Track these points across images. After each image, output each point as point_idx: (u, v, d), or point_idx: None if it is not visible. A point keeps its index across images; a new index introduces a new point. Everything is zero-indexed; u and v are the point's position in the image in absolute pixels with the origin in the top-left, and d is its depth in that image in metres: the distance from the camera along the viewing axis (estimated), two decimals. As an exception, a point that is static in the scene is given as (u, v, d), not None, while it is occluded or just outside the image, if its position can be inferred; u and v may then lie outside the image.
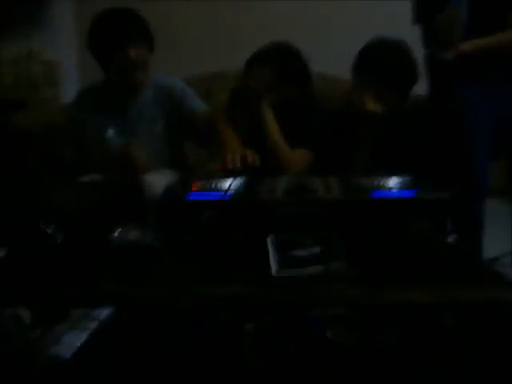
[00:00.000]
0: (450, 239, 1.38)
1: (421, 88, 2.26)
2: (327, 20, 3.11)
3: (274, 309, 1.18)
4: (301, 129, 2.06)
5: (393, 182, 1.51)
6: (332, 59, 2.60)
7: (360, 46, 2.08)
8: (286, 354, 1.16)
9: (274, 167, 1.93)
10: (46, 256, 1.32)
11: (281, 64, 2.03)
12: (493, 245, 1.98)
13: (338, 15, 3.10)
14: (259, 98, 2.00)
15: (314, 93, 2.14)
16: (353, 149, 2.07)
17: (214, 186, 1.46)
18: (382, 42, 2.05)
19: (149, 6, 2.25)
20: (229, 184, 1.45)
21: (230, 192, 1.43)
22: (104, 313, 1.43)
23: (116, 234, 1.40)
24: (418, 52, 2.16)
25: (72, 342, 1.36)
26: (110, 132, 2.09)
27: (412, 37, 2.12)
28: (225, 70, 2.93)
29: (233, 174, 1.58)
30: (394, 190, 1.47)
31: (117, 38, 1.97)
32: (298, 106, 2.09)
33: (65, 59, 3.33)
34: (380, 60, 2.01)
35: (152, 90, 2.14)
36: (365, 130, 2.09)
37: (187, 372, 1.17)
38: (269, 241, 1.32)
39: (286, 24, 3.10)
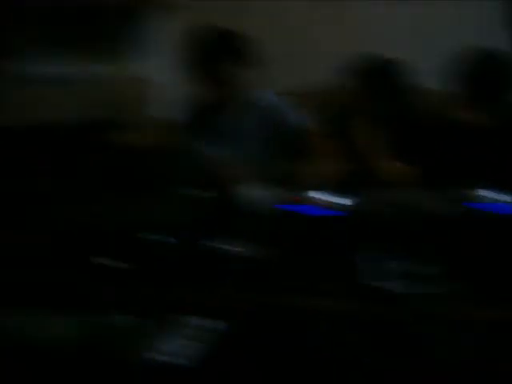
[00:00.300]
0: None
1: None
2: (418, 33, 3.06)
3: (378, 322, 1.17)
4: (400, 142, 2.03)
5: (501, 196, 1.46)
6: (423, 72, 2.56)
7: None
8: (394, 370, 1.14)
9: (374, 180, 1.91)
10: (162, 267, 1.36)
11: (376, 79, 2.02)
12: None
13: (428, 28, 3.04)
14: (356, 112, 2.00)
15: (411, 105, 2.12)
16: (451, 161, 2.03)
17: (311, 199, 1.46)
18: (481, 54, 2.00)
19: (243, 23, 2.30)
20: (331, 197, 1.45)
21: (328, 205, 1.43)
22: (217, 323, 1.46)
23: (220, 246, 1.43)
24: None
25: (188, 351, 1.40)
26: (210, 148, 2.15)
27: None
28: (316, 85, 2.95)
29: (333, 187, 1.58)
30: (502, 205, 1.42)
31: (205, 55, 2.04)
32: (396, 120, 2.07)
33: (161, 77, 3.45)
34: (480, 71, 1.97)
35: (249, 106, 2.18)
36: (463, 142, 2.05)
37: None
38: (366, 256, 1.30)
39: (375, 38, 3.08)
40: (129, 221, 1.50)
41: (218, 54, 2.07)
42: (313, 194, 1.52)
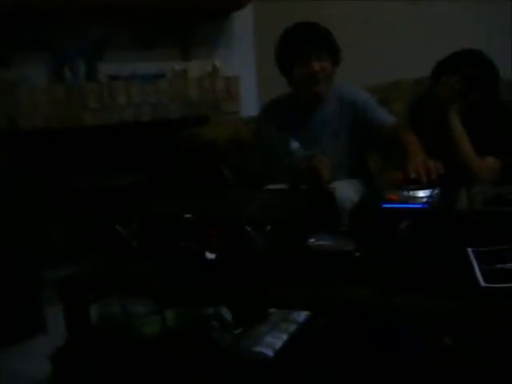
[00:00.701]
0: None
1: None
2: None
3: (479, 322, 1.15)
4: (490, 136, 1.98)
5: None
6: None
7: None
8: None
9: (465, 176, 1.87)
10: (249, 259, 1.39)
11: (469, 70, 1.97)
12: None
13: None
14: (448, 105, 1.96)
15: (500, 99, 2.06)
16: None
17: (409, 195, 1.45)
18: None
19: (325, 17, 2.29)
20: (425, 194, 1.44)
21: (426, 201, 1.41)
22: (302, 316, 1.50)
23: (312, 240, 1.45)
24: None
25: (273, 342, 1.44)
26: (295, 144, 2.15)
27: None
28: (400, 78, 2.91)
29: (422, 184, 1.56)
30: None
31: (302, 51, 2.05)
32: (485, 113, 2.01)
33: (244, 74, 3.51)
34: None
35: (335, 102, 2.17)
36: None
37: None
38: (470, 252, 1.28)
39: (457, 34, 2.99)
40: (223, 215, 1.54)
41: (319, 50, 2.07)
42: (409, 191, 1.51)
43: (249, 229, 1.35)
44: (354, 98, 2.15)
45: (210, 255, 1.38)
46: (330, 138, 2.15)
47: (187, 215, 1.45)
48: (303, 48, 2.06)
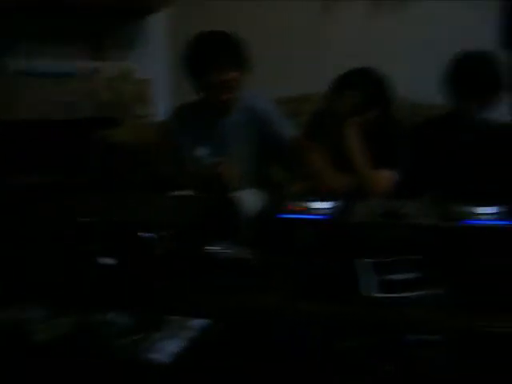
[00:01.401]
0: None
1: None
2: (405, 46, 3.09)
3: (371, 329, 1.20)
4: (384, 150, 2.07)
5: (487, 208, 1.49)
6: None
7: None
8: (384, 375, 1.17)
9: (360, 189, 1.95)
10: (147, 266, 1.38)
11: (366, 87, 2.07)
12: None
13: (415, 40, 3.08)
14: (344, 120, 2.04)
15: (394, 115, 2.17)
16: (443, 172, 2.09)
17: (308, 206, 1.49)
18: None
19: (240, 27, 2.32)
20: (323, 205, 1.49)
21: (323, 213, 1.46)
22: (201, 322, 1.49)
23: (212, 248, 1.46)
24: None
25: (170, 348, 1.42)
26: (203, 150, 2.17)
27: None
28: (311, 91, 2.99)
29: (323, 195, 1.61)
30: (490, 217, 1.46)
31: (216, 60, 2.06)
32: (380, 128, 2.11)
33: (156, 77, 3.48)
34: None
35: (242, 110, 2.21)
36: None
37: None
38: (364, 263, 1.34)
39: (366, 49, 3.12)
40: (123, 219, 1.52)
41: (232, 59, 2.09)
42: (303, 201, 1.55)
43: (146, 234, 1.34)
44: (260, 108, 2.20)
45: (107, 260, 1.36)
46: (236, 145, 2.19)
47: (84, 218, 1.42)
48: (217, 56, 2.08)
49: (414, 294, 1.21)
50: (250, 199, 1.90)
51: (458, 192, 1.70)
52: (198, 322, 1.51)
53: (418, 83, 2.32)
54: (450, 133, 2.20)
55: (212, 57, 2.08)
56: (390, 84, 2.14)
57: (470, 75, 2.07)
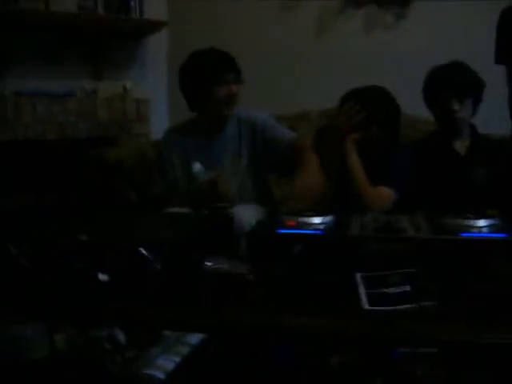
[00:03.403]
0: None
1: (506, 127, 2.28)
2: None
3: (363, 342, 1.20)
4: (385, 167, 2.08)
5: (481, 221, 1.50)
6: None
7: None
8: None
9: (359, 204, 1.96)
10: (142, 282, 1.38)
11: (373, 105, 2.08)
12: None
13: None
14: (345, 135, 2.05)
15: (398, 133, 2.18)
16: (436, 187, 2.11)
17: (304, 221, 1.50)
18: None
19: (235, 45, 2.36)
20: (317, 220, 1.49)
21: (320, 227, 1.46)
22: (196, 338, 1.49)
23: (208, 264, 1.46)
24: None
25: (165, 364, 1.42)
26: (197, 166, 2.18)
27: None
28: (308, 109, 3.02)
29: (320, 210, 1.61)
30: (483, 230, 1.47)
31: (223, 73, 2.12)
32: (382, 145, 2.12)
33: (154, 97, 3.51)
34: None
35: (235, 124, 2.23)
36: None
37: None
38: (358, 277, 1.34)
39: (365, 65, 3.15)
40: (119, 237, 1.53)
41: (230, 71, 2.14)
42: (305, 217, 1.55)
43: (143, 250, 1.34)
44: (253, 119, 2.23)
45: (103, 276, 1.36)
46: (231, 159, 2.20)
47: (82, 236, 1.42)
48: (224, 69, 2.14)
49: (408, 306, 1.20)
50: (246, 214, 1.90)
51: (452, 205, 1.72)
52: (193, 338, 1.51)
53: (419, 98, 2.33)
54: (443, 148, 2.22)
55: (219, 70, 2.13)
56: (394, 102, 2.16)
57: (447, 79, 2.15)
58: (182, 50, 2.28)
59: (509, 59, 2.15)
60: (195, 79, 2.15)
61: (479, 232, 1.44)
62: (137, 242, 1.39)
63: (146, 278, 1.37)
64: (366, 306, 1.21)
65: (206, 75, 2.12)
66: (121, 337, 1.54)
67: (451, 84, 2.14)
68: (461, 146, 2.22)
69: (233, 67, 2.15)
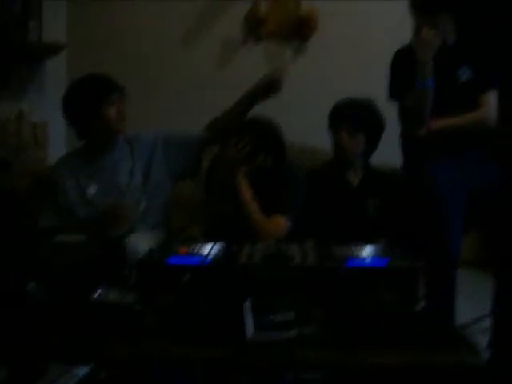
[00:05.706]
0: (420, 306, 1.44)
1: (397, 161, 2.41)
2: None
3: (248, 372, 1.22)
4: (277, 197, 2.14)
5: (367, 250, 1.58)
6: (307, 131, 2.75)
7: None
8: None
9: (251, 234, 1.99)
10: (28, 313, 1.34)
11: (258, 135, 2.15)
12: (464, 313, 2.06)
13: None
14: (234, 167, 2.10)
15: (289, 162, 2.25)
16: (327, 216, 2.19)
17: (194, 250, 1.51)
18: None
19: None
20: (208, 249, 1.51)
21: (209, 257, 1.48)
22: (83, 370, 1.46)
23: (96, 295, 1.44)
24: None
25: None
26: (91, 190, 2.16)
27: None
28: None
29: (213, 239, 1.63)
30: (368, 259, 1.54)
31: (106, 96, 2.13)
32: (274, 175, 2.18)
33: (52, 121, 3.41)
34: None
35: (124, 143, 2.25)
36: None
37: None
38: (245, 305, 1.36)
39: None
40: (5, 267, 1.48)
41: (107, 96, 2.14)
42: (195, 246, 1.57)
43: (27, 282, 1.31)
44: (145, 138, 2.27)
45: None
46: (124, 178, 2.19)
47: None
48: (110, 92, 2.15)
49: (295, 332, 1.24)
50: (141, 241, 1.88)
51: (343, 234, 1.80)
52: (80, 370, 1.48)
53: (317, 128, 2.42)
54: (336, 178, 2.32)
55: (106, 92, 2.15)
56: (280, 131, 2.23)
57: (340, 113, 2.31)
58: (81, 74, 2.25)
59: (400, 95, 2.30)
60: (83, 105, 2.14)
61: (363, 260, 1.51)
62: (23, 272, 1.36)
63: (31, 311, 1.34)
64: (251, 335, 1.24)
65: (95, 98, 2.12)
66: (4, 373, 1.48)
67: (343, 118, 2.28)
68: (354, 177, 2.33)
69: (116, 86, 2.18)
